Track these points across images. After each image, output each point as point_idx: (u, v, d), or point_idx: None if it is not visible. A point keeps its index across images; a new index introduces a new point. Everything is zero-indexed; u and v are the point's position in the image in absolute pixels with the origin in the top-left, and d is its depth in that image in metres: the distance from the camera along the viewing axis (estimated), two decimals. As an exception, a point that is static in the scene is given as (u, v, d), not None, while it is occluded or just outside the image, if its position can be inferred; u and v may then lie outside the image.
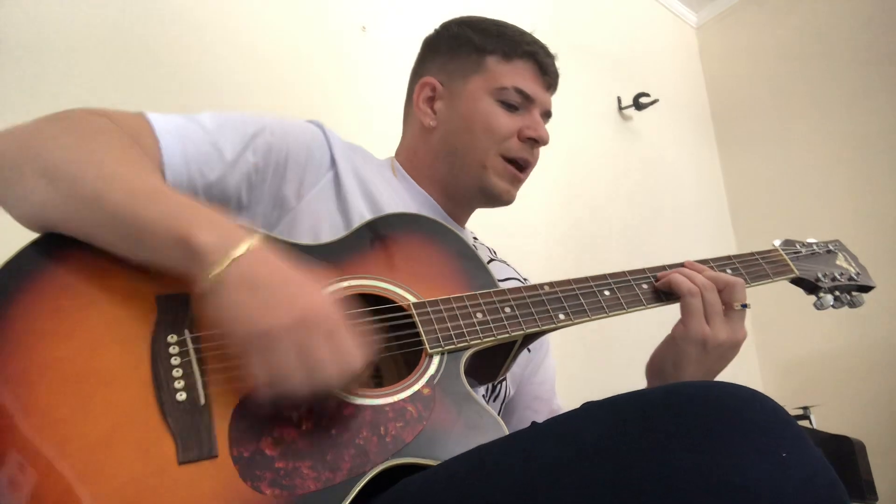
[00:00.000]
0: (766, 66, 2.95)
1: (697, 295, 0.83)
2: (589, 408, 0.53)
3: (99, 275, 0.62)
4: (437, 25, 1.07)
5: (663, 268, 0.88)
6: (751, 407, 0.48)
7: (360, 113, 1.71)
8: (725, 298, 0.84)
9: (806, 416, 2.07)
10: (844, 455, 1.79)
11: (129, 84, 1.33)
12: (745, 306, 0.84)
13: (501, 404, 0.97)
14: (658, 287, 0.86)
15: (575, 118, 2.40)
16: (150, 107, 1.35)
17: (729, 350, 0.83)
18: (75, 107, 0.72)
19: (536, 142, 0.98)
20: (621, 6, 2.85)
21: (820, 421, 2.10)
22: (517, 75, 0.97)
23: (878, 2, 2.61)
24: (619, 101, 2.64)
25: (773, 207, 2.83)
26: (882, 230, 2.42)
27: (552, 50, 1.03)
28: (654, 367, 0.88)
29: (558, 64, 1.03)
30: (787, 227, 2.73)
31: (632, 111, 2.65)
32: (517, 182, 0.99)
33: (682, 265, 0.89)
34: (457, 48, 1.00)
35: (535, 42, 1.00)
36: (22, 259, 0.60)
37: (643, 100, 2.61)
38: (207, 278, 0.57)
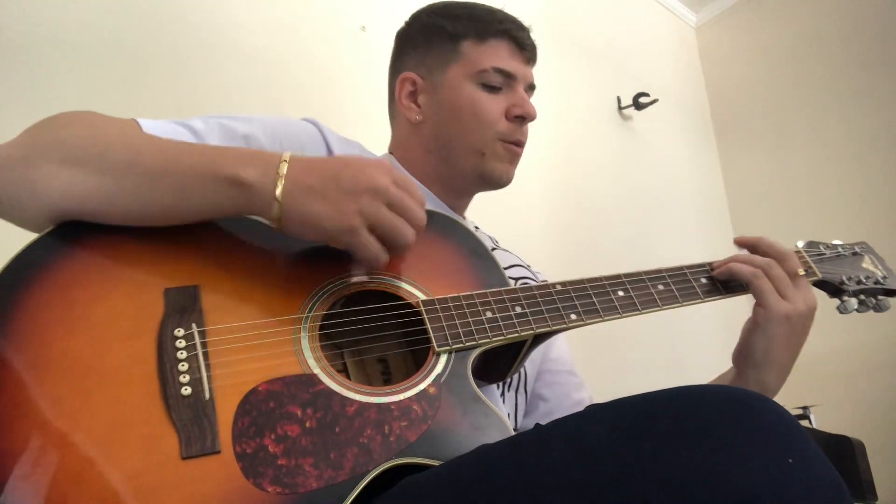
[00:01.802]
0: (765, 65, 2.95)
1: (761, 275, 0.84)
2: (593, 409, 0.53)
3: (108, 268, 0.62)
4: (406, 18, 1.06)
5: (680, 269, 0.87)
6: (756, 410, 0.47)
7: (359, 112, 1.71)
8: (788, 269, 0.85)
9: (806, 416, 2.07)
10: (844, 455, 1.79)
11: (129, 85, 1.33)
12: (808, 272, 0.88)
13: (516, 392, 0.96)
14: (716, 276, 0.87)
15: (575, 118, 2.40)
16: (150, 106, 1.35)
17: (808, 318, 0.85)
18: (75, 107, 0.72)
19: (525, 119, 0.97)
20: (621, 6, 2.85)
21: (820, 421, 2.09)
22: (494, 55, 0.96)
23: (877, 2, 2.61)
24: (619, 100, 2.65)
25: (773, 207, 2.84)
26: (882, 230, 2.42)
27: (527, 23, 1.01)
28: (743, 354, 0.87)
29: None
30: (786, 226, 2.75)
31: (632, 111, 2.65)
32: (515, 160, 0.99)
33: (710, 265, 0.90)
34: (430, 38, 0.99)
35: (507, 18, 0.99)
36: (33, 251, 0.61)
37: (643, 100, 2.61)
38: (273, 205, 0.63)
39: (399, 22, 1.06)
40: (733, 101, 3.07)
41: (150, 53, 1.38)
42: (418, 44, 1.02)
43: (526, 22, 1.01)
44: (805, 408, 2.08)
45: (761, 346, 0.84)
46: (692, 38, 3.27)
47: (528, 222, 2.08)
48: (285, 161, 0.65)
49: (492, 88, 0.96)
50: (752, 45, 3.02)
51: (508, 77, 0.96)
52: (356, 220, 0.64)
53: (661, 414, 0.48)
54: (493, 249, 1.05)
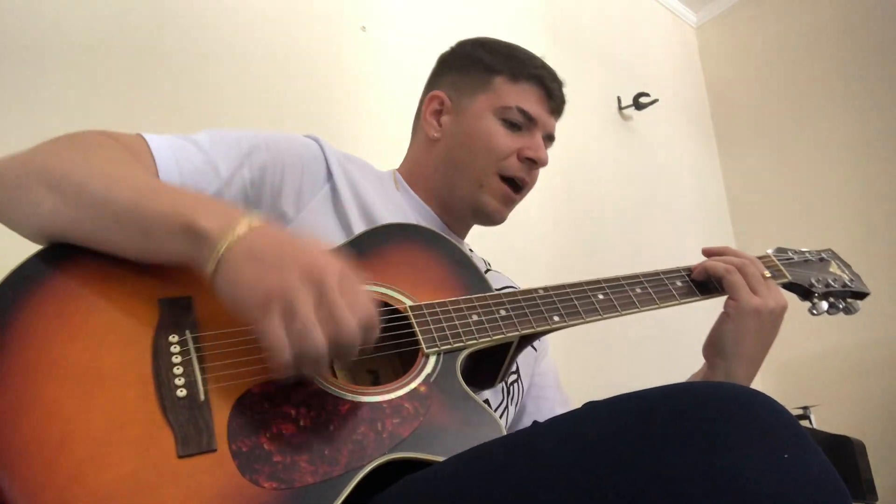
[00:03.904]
0: (765, 65, 2.95)
1: (734, 271, 0.89)
2: (591, 407, 0.53)
3: (103, 280, 0.63)
4: (452, 43, 1.11)
5: (656, 273, 0.91)
6: (753, 408, 0.47)
7: (359, 112, 1.71)
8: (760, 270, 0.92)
9: (806, 416, 2.07)
10: (844, 455, 1.79)
11: (129, 86, 1.34)
12: (777, 274, 0.96)
13: (516, 406, 0.98)
14: (694, 276, 0.92)
15: (575, 118, 2.39)
16: (149, 106, 1.35)
17: (778, 317, 0.90)
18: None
19: (535, 163, 1.00)
20: (621, 6, 2.85)
21: (820, 421, 2.10)
22: (522, 96, 0.99)
23: (876, 2, 2.61)
24: (619, 101, 2.65)
25: (773, 207, 2.83)
26: (882, 230, 2.42)
27: (560, 76, 1.05)
28: (713, 345, 0.92)
29: (557, 60, 1.06)
30: (786, 226, 2.75)
31: (632, 111, 2.66)
32: (510, 203, 1.02)
33: (688, 268, 0.95)
34: (468, 66, 1.03)
35: (544, 66, 1.03)
36: (29, 267, 0.62)
37: (643, 100, 2.61)
38: (212, 259, 0.58)
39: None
40: (733, 101, 3.07)
41: (149, 53, 1.38)
42: (455, 68, 1.06)
43: (561, 76, 1.05)
44: (805, 408, 2.08)
45: (731, 338, 0.88)
46: (692, 38, 3.27)
47: (526, 221, 2.08)
48: (247, 220, 0.60)
49: (512, 126, 0.99)
50: (752, 45, 3.02)
51: (530, 120, 1.00)
52: (272, 297, 0.56)
53: (658, 411, 0.48)
54: (487, 272, 1.07)
